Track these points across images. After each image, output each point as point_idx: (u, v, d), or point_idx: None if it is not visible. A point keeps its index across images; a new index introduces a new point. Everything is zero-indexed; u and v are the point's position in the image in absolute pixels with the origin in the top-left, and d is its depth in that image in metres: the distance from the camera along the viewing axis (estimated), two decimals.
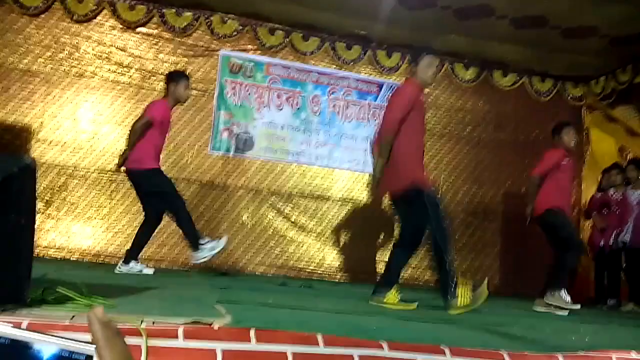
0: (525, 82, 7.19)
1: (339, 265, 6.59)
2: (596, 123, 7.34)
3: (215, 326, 1.73)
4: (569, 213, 5.40)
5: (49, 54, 6.05)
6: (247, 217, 6.43)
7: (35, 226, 2.05)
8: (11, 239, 1.83)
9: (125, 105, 6.18)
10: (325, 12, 6.10)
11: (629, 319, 4.82)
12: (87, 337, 0.61)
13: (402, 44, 6.60)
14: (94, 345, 0.60)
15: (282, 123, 6.58)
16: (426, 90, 5.62)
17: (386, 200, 5.40)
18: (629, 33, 5.77)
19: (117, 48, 6.23)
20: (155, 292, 3.05)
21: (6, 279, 1.80)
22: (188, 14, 6.32)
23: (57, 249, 5.85)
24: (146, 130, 4.57)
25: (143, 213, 4.83)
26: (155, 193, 4.67)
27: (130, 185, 4.90)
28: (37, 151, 5.88)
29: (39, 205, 5.69)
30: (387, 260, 3.99)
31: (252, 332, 1.58)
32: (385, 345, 1.66)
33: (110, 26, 6.23)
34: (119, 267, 4.63)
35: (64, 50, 6.09)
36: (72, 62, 6.10)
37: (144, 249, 4.87)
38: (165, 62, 6.27)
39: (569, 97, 7.33)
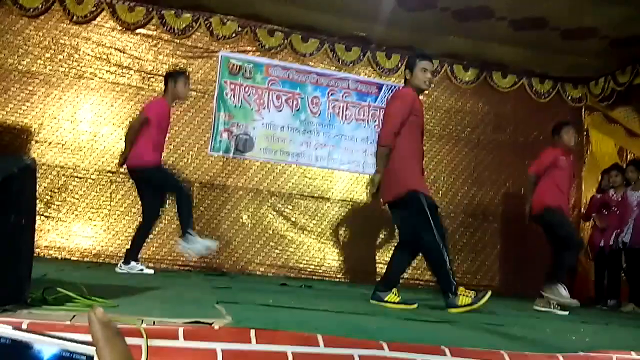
0: (525, 84, 7.19)
1: (339, 265, 6.59)
2: (596, 124, 7.35)
3: (216, 326, 1.73)
4: (568, 211, 5.42)
5: (48, 55, 6.05)
6: (247, 217, 6.43)
7: (36, 226, 2.05)
8: (11, 239, 1.83)
9: (124, 107, 6.18)
10: (325, 13, 6.10)
11: (629, 319, 4.81)
12: (88, 337, 0.61)
13: (401, 45, 6.61)
14: (94, 346, 0.60)
15: (281, 124, 6.59)
16: (426, 91, 5.62)
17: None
18: (628, 34, 5.77)
19: (116, 49, 6.24)
20: (155, 292, 3.05)
21: (6, 279, 1.80)
22: (187, 15, 6.33)
23: (57, 249, 5.86)
24: (142, 128, 4.60)
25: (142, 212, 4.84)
26: (159, 185, 4.69)
27: (130, 185, 4.92)
28: (37, 152, 5.89)
29: (39, 205, 5.69)
30: (387, 260, 4.00)
31: (252, 333, 1.58)
32: (385, 345, 1.66)
33: (109, 27, 6.24)
34: (120, 267, 4.64)
35: (63, 51, 6.10)
36: (71, 64, 6.11)
37: (144, 250, 4.88)
38: (165, 63, 6.27)
39: (569, 99, 7.34)
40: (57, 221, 5.91)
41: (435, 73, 6.09)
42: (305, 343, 1.60)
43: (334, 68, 6.79)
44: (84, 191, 6.01)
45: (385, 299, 3.60)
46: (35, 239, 2.11)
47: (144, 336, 1.39)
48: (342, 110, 6.79)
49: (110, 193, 6.05)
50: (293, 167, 6.62)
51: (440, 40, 6.31)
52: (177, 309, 2.28)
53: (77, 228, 5.96)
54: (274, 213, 6.51)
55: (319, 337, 1.62)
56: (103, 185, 6.05)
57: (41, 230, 5.72)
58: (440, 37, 6.26)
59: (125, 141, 4.80)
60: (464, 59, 6.94)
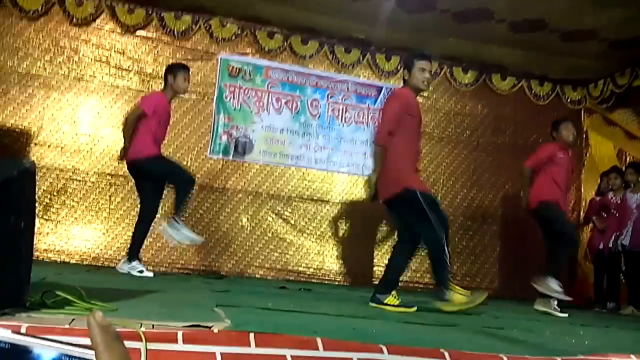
0: (524, 86, 7.19)
1: (338, 268, 6.59)
2: (595, 126, 7.35)
3: (215, 330, 1.73)
4: (565, 207, 5.40)
5: (48, 57, 6.05)
6: (247, 220, 6.43)
7: (35, 229, 2.05)
8: (11, 241, 1.83)
9: (124, 109, 6.15)
10: (324, 15, 6.11)
11: (629, 322, 4.81)
12: (87, 341, 0.60)
13: (401, 47, 6.60)
14: (94, 350, 0.60)
15: (281, 126, 6.58)
16: (425, 93, 5.60)
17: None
18: (628, 37, 5.77)
19: (116, 51, 6.24)
20: (154, 295, 3.05)
21: (6, 282, 1.80)
22: (187, 17, 6.33)
23: (57, 252, 5.85)
24: (138, 121, 4.57)
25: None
26: (161, 174, 4.66)
27: (130, 188, 4.91)
28: (37, 154, 5.88)
29: (38, 208, 5.68)
30: (386, 263, 4.00)
31: (251, 336, 1.58)
32: (384, 348, 1.65)
33: (109, 29, 6.24)
34: (120, 266, 4.63)
35: (63, 53, 6.10)
36: (71, 66, 6.11)
37: (143, 252, 4.87)
38: (165, 65, 6.24)
39: (568, 101, 7.34)
40: (56, 224, 5.90)
41: (434, 74, 6.10)
42: (304, 346, 1.59)
43: (333, 70, 6.79)
44: (83, 194, 6.01)
45: (385, 301, 3.60)
46: (35, 242, 2.11)
47: (143, 340, 1.39)
48: (342, 113, 6.79)
49: (110, 196, 6.04)
50: (292, 170, 6.61)
51: (440, 42, 6.31)
52: (176, 313, 2.28)
53: (76, 231, 5.95)
54: (274, 215, 6.50)
55: (319, 341, 1.62)
56: (102, 188, 6.05)
57: (40, 234, 5.71)
58: (439, 39, 6.26)
59: (123, 136, 4.77)
60: (463, 61, 6.94)
